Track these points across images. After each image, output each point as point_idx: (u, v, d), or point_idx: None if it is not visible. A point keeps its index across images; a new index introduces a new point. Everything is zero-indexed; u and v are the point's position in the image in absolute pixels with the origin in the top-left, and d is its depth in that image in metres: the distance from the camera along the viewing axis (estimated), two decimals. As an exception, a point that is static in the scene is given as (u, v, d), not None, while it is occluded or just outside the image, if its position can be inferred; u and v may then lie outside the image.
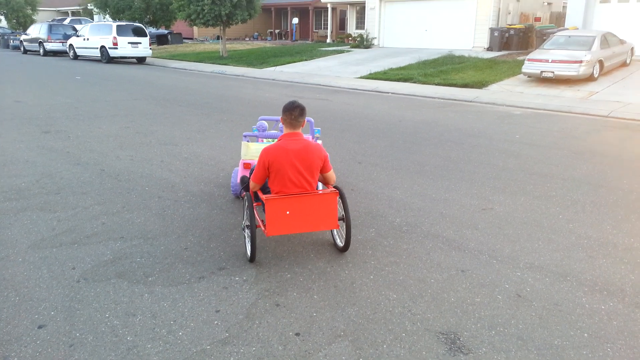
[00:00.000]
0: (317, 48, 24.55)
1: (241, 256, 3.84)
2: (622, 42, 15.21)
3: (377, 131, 8.44)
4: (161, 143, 7.42)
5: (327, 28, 31.74)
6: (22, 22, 36.97)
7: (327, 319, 3.05)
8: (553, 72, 13.08)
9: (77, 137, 7.73)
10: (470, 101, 11.96)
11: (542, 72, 13.26)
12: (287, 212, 3.55)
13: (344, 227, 3.79)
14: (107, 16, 28.63)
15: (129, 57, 22.40)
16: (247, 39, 36.60)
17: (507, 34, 19.94)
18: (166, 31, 32.20)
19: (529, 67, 13.56)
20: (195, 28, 34.93)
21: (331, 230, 4.14)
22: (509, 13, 21.45)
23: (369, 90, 13.91)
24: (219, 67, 19.62)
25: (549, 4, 24.49)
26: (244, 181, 4.28)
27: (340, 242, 3.95)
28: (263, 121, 5.18)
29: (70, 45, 23.87)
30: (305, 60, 20.44)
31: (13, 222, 4.42)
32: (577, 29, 17.60)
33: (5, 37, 33.00)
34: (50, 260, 3.73)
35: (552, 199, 5.18)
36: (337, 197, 3.69)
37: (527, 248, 4.03)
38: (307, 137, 4.93)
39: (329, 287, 3.41)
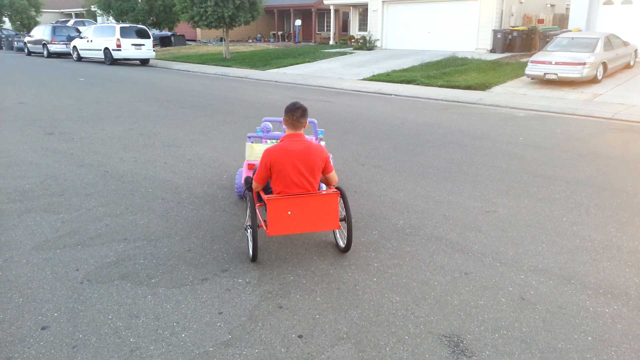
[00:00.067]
0: (319, 50, 24.58)
1: (244, 258, 3.84)
2: (625, 44, 15.17)
3: (380, 133, 8.43)
4: (164, 145, 7.44)
5: (329, 30, 31.77)
6: (26, 24, 37.11)
7: (330, 321, 3.04)
8: (556, 74, 13.05)
9: (81, 138, 7.75)
10: (474, 103, 11.95)
11: (545, 74, 13.24)
12: (289, 212, 3.57)
13: (346, 227, 3.80)
14: (111, 18, 28.71)
15: (133, 59, 22.46)
16: (250, 40, 36.68)
17: (510, 36, 19.92)
18: (169, 33, 32.29)
19: (532, 69, 13.53)
20: (198, 30, 35.07)
21: (333, 231, 4.16)
22: (512, 15, 21.43)
23: (371, 92, 13.90)
24: (222, 69, 19.66)
25: (552, 5, 24.46)
26: (248, 182, 4.30)
27: (341, 243, 3.96)
28: (267, 122, 5.20)
29: (74, 47, 23.96)
30: (308, 62, 20.47)
31: (17, 224, 4.44)
32: (581, 30, 17.56)
33: (10, 39, 33.14)
34: (54, 262, 3.74)
35: (555, 202, 5.16)
36: (339, 198, 3.70)
37: (531, 251, 4.02)
38: (311, 138, 4.94)
39: (331, 289, 3.41)
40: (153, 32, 28.51)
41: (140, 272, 3.60)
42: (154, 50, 22.86)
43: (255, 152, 4.91)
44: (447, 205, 5.04)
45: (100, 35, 22.41)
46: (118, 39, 21.48)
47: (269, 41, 36.09)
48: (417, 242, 4.15)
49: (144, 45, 22.11)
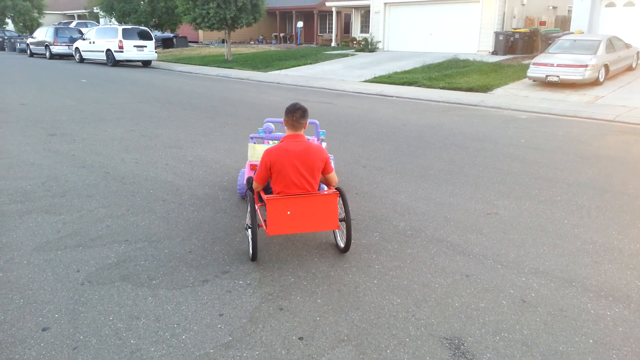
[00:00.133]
0: (321, 52, 24.60)
1: (245, 260, 3.84)
2: (627, 46, 15.16)
3: (382, 135, 8.43)
4: (166, 146, 7.45)
5: (331, 32, 31.80)
6: (28, 26, 37.23)
7: (331, 323, 3.04)
8: (558, 76, 13.04)
9: (83, 140, 7.76)
10: (475, 105, 11.94)
11: (547, 76, 13.22)
12: (288, 212, 3.59)
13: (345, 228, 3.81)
14: (113, 19, 28.81)
15: (135, 61, 22.51)
16: (252, 42, 36.72)
17: (512, 38, 19.91)
18: (172, 35, 32.36)
19: (534, 71, 13.53)
20: (200, 31, 35.10)
21: (333, 232, 4.17)
22: (514, 17, 21.42)
23: (373, 94, 13.91)
24: (224, 71, 19.69)
25: (554, 7, 24.45)
26: (250, 182, 4.31)
27: (341, 243, 3.98)
28: (269, 123, 5.21)
29: (76, 48, 24.01)
30: (310, 63, 20.48)
31: (18, 225, 4.44)
32: (583, 32, 17.55)
33: (12, 41, 33.24)
34: (55, 263, 3.74)
35: (557, 204, 5.16)
36: (338, 198, 3.71)
37: (532, 253, 4.02)
38: (312, 139, 4.95)
39: (332, 291, 3.41)
40: (155, 33, 28.57)
41: (141, 274, 3.60)
42: (156, 52, 22.92)
43: (257, 152, 4.92)
44: (448, 207, 5.04)
45: (102, 37, 22.47)
46: (120, 41, 21.52)
47: (271, 43, 36.14)
48: (418, 244, 4.15)
49: (146, 46, 22.16)
